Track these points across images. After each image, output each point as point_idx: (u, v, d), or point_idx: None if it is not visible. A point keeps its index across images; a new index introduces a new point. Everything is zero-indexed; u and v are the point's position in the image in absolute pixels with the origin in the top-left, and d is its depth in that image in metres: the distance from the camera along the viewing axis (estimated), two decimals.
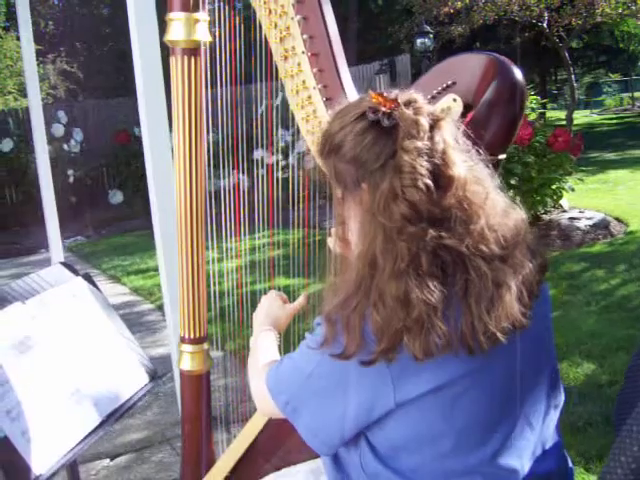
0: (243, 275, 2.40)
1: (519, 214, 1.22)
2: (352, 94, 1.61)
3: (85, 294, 1.92)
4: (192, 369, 1.89)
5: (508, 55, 1.45)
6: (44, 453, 1.53)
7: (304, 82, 1.65)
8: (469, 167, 1.15)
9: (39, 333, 1.70)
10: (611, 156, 12.55)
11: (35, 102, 4.41)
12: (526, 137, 5.91)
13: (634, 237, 6.02)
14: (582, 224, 6.20)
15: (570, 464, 1.40)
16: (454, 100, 1.45)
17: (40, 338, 1.69)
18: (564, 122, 12.43)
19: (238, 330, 2.20)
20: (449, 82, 1.46)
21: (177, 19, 1.71)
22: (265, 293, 1.71)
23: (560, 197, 6.48)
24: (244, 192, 2.07)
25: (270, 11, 1.64)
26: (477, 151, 1.20)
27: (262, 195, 2.07)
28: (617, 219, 6.65)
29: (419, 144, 1.10)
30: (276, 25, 1.65)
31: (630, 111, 25.62)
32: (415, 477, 1.21)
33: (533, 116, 6.64)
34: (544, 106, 9.48)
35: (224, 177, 2.05)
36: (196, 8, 1.71)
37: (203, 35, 1.74)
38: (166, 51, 1.79)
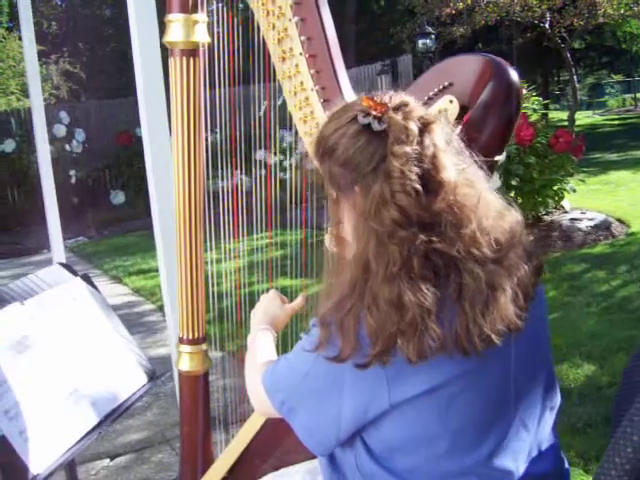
0: (244, 276, 2.40)
1: (515, 216, 1.22)
2: (350, 95, 1.61)
3: (84, 295, 1.92)
4: (190, 370, 1.90)
5: (510, 56, 1.45)
6: (42, 453, 1.53)
7: (302, 83, 1.65)
8: (461, 170, 1.15)
9: (37, 333, 1.71)
10: (613, 157, 12.53)
11: (37, 102, 4.42)
12: (527, 138, 5.90)
13: (635, 238, 6.01)
14: (583, 225, 6.19)
15: (567, 465, 1.40)
16: (450, 101, 1.45)
17: (38, 338, 1.70)
18: (566, 123, 12.44)
19: (238, 331, 2.21)
20: (446, 83, 1.47)
21: (176, 20, 1.71)
22: (265, 294, 1.71)
23: (561, 198, 6.48)
24: (245, 193, 2.08)
25: (268, 12, 1.65)
26: (471, 153, 1.20)
27: (263, 196, 2.07)
28: (619, 220, 6.63)
29: (408, 149, 1.10)
30: (274, 26, 1.65)
31: (632, 112, 25.61)
32: (411, 478, 1.21)
33: (535, 117, 6.63)
34: (546, 107, 9.47)
35: (225, 178, 2.05)
36: (195, 9, 1.72)
37: (202, 36, 1.74)
38: (166, 52, 1.79)
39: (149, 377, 1.95)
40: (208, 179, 1.95)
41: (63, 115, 10.53)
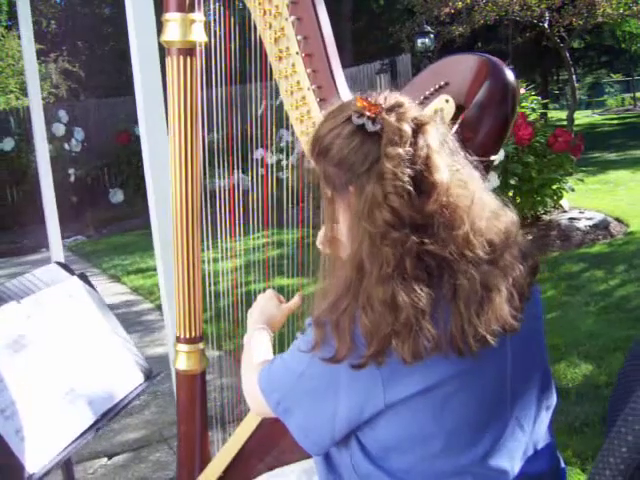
0: (242, 275, 2.40)
1: (510, 216, 1.22)
2: (346, 95, 1.61)
3: (80, 294, 1.92)
4: (187, 369, 1.90)
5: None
6: (38, 452, 1.53)
7: (298, 83, 1.66)
8: (454, 171, 1.15)
9: (34, 332, 1.71)
10: (612, 156, 12.53)
11: (35, 101, 4.43)
12: (526, 137, 5.91)
13: (634, 238, 6.01)
14: (582, 224, 6.20)
15: (562, 464, 1.40)
16: (446, 101, 1.45)
17: (35, 337, 1.70)
18: (565, 122, 12.44)
19: (236, 330, 2.21)
20: (442, 83, 1.47)
21: (173, 20, 1.72)
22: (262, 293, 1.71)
23: (560, 197, 6.48)
24: (244, 192, 2.08)
25: (265, 12, 1.65)
26: (466, 153, 1.20)
27: (261, 195, 2.07)
28: (617, 219, 6.63)
29: (401, 151, 1.10)
30: (271, 26, 1.65)
31: (632, 111, 25.62)
32: (406, 477, 1.21)
33: (534, 116, 6.64)
34: (545, 106, 9.47)
35: (224, 177, 2.06)
36: (192, 9, 1.72)
37: (199, 36, 1.75)
38: (165, 51, 1.79)
39: (146, 376, 1.95)
40: (206, 178, 1.95)
41: (62, 114, 10.54)
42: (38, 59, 4.28)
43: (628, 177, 9.64)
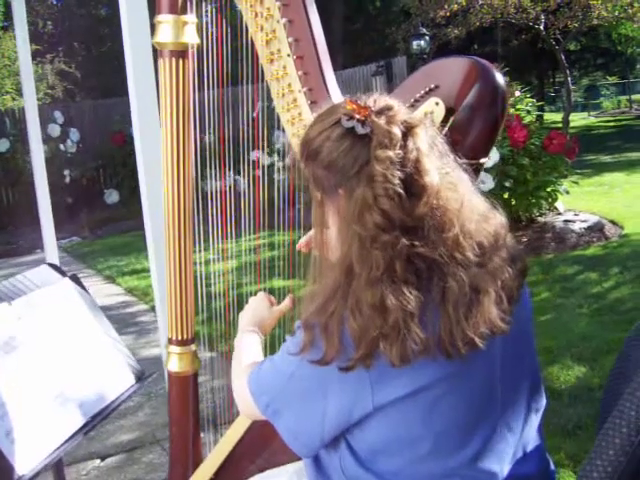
0: (235, 276, 2.40)
1: (499, 219, 1.22)
2: (337, 97, 1.61)
3: (72, 295, 1.92)
4: (179, 370, 1.90)
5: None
6: (28, 453, 1.53)
7: (289, 85, 1.66)
8: (444, 174, 1.15)
9: (25, 334, 1.70)
10: (607, 159, 12.56)
11: (30, 102, 4.42)
12: (521, 140, 5.92)
13: (628, 240, 6.02)
14: (577, 227, 6.21)
15: (552, 467, 1.41)
16: (437, 104, 1.45)
17: (25, 339, 1.70)
18: (561, 125, 12.47)
19: (230, 331, 2.21)
20: (432, 85, 1.47)
21: (165, 21, 1.71)
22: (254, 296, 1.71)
23: (555, 200, 6.49)
24: (238, 194, 2.08)
25: (256, 14, 1.65)
26: (456, 156, 1.20)
27: (255, 197, 2.07)
28: (612, 222, 6.65)
29: (391, 153, 1.10)
30: (262, 28, 1.65)
31: (627, 114, 25.67)
32: None
33: (529, 119, 6.65)
34: (541, 108, 9.49)
35: (219, 178, 2.06)
36: (184, 11, 1.72)
37: (191, 37, 1.74)
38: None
39: (137, 378, 1.95)
40: (203, 179, 1.95)
41: (57, 115, 10.52)
42: (34, 60, 4.29)
43: (623, 179, 9.66)
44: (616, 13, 11.38)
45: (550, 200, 6.46)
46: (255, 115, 2.00)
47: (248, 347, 1.49)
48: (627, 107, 27.99)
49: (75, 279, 1.96)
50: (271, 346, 1.60)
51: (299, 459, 1.50)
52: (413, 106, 1.47)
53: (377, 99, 1.18)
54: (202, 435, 2.04)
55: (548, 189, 6.33)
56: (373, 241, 1.10)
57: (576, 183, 6.85)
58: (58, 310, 1.84)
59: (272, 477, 1.57)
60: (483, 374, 1.20)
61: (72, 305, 1.90)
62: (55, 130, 10.30)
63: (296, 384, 1.21)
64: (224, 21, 1.82)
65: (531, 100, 6.98)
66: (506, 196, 6.00)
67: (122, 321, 5.03)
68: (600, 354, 3.64)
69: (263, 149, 2.00)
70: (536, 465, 1.33)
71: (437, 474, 1.21)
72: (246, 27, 1.70)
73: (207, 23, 1.82)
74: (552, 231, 6.18)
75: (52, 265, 1.98)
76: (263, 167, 2.19)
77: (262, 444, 1.73)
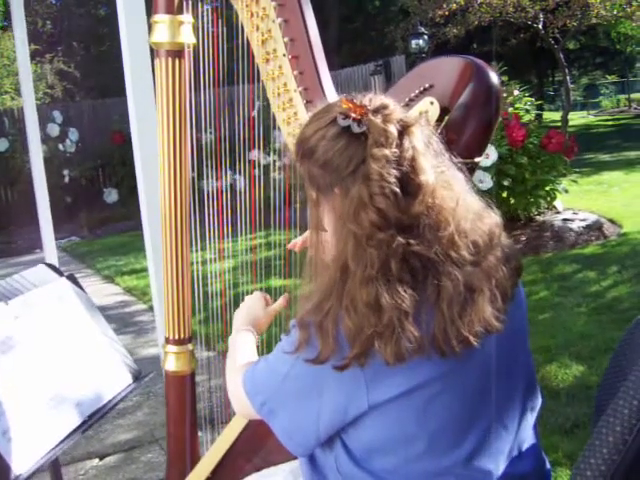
0: (232, 276, 2.41)
1: (493, 218, 1.22)
2: (332, 96, 1.61)
3: (69, 295, 1.92)
4: (177, 370, 1.90)
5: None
6: (25, 453, 1.53)
7: (285, 85, 1.66)
8: (439, 172, 1.15)
9: (22, 333, 1.71)
10: (606, 157, 12.55)
11: (29, 102, 4.43)
12: (519, 139, 5.92)
13: (627, 239, 6.02)
14: (575, 225, 6.21)
15: (548, 465, 1.41)
16: (431, 103, 1.46)
17: (22, 338, 1.70)
18: (560, 123, 12.47)
19: (227, 331, 2.21)
20: (427, 85, 1.48)
21: (161, 21, 1.72)
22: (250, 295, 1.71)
23: (553, 199, 6.49)
24: (236, 193, 2.08)
25: (252, 14, 1.65)
26: (451, 154, 1.20)
27: (253, 196, 2.07)
28: (611, 221, 6.64)
29: (387, 152, 1.10)
30: (258, 28, 1.65)
31: (626, 112, 25.66)
32: (389, 478, 1.21)
33: (528, 117, 6.65)
34: (540, 107, 9.50)
35: (217, 178, 2.06)
36: (180, 11, 1.72)
37: (187, 37, 1.75)
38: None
39: (134, 377, 1.95)
40: (200, 179, 1.95)
41: (56, 114, 10.52)
42: (33, 60, 4.30)
43: (622, 178, 9.65)
44: (615, 12, 11.39)
45: (549, 199, 6.46)
46: (251, 115, 2.00)
47: (243, 346, 1.49)
48: (626, 106, 27.97)
49: (72, 279, 1.97)
50: (267, 345, 1.60)
51: (295, 458, 1.50)
52: (408, 105, 1.47)
53: (372, 98, 1.18)
54: (199, 434, 2.04)
55: (547, 188, 6.33)
56: (368, 239, 1.10)
57: (575, 182, 6.84)
58: (55, 310, 1.85)
59: (268, 476, 1.57)
60: (478, 373, 1.20)
61: (69, 305, 1.90)
62: (54, 130, 10.30)
63: (291, 383, 1.21)
64: (220, 21, 1.82)
65: (530, 99, 6.98)
66: (505, 195, 6.00)
67: (121, 320, 5.04)
68: (598, 353, 3.64)
69: (261, 148, 2.00)
70: (532, 464, 1.33)
71: (432, 473, 1.21)
72: (242, 27, 1.70)
73: (203, 23, 1.82)
74: (551, 230, 6.18)
75: (49, 265, 1.98)
76: (261, 166, 2.19)
77: (258, 443, 1.74)
